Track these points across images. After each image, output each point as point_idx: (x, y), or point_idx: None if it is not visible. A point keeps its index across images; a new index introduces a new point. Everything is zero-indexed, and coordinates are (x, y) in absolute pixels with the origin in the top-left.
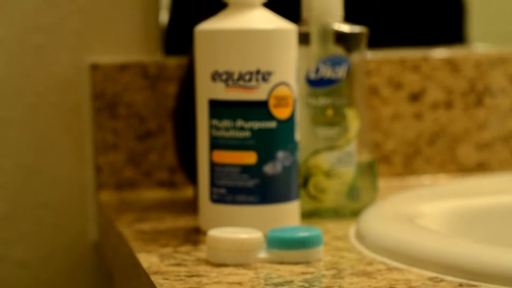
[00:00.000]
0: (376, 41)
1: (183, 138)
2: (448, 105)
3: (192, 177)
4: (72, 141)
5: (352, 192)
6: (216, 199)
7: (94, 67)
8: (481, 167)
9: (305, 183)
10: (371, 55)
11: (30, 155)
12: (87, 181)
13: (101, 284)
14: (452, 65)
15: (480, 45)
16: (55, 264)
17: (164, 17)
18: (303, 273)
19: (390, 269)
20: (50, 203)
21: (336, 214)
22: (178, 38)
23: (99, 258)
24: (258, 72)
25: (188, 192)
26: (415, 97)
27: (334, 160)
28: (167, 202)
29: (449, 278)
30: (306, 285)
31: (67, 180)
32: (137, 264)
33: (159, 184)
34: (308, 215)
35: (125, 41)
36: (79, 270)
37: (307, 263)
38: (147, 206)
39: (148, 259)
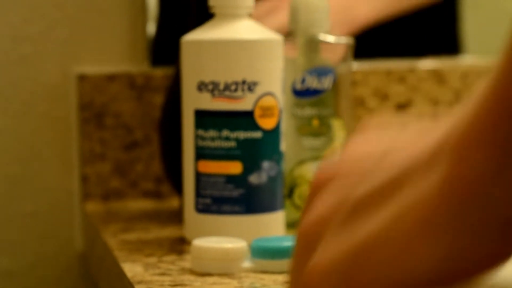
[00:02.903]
0: (362, 52)
1: (169, 148)
2: (435, 116)
3: (178, 187)
4: (59, 151)
5: None
6: (201, 209)
7: (82, 77)
8: None
9: (290, 193)
10: (358, 66)
11: (17, 164)
12: (74, 191)
13: None
14: (439, 77)
15: (469, 56)
16: (41, 274)
17: (151, 27)
18: (287, 282)
19: None
20: (36, 213)
21: None
22: (165, 49)
23: (85, 268)
24: (244, 82)
25: (174, 202)
26: (401, 108)
27: None
28: (153, 212)
29: None
30: None
31: (53, 190)
32: (121, 274)
33: (145, 194)
34: (293, 225)
35: (113, 51)
36: (65, 279)
37: None
38: (133, 216)
39: (132, 269)
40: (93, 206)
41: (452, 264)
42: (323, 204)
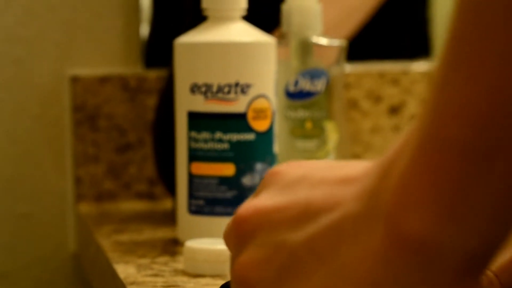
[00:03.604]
0: (355, 54)
1: (162, 150)
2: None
3: (171, 189)
4: (52, 153)
5: None
6: (195, 210)
7: (75, 79)
8: None
9: None
10: (351, 68)
11: (10, 166)
12: (67, 193)
13: None
14: (432, 79)
15: None
16: (34, 274)
17: (145, 29)
18: None
19: None
20: (29, 214)
21: None
22: (159, 51)
23: (78, 269)
24: (237, 84)
25: (167, 204)
26: (394, 110)
27: None
28: (146, 213)
29: None
30: None
31: (47, 191)
32: (114, 275)
33: (138, 196)
34: None
35: (106, 53)
36: (58, 281)
37: None
38: (126, 218)
39: (125, 270)
40: (86, 208)
41: None
42: (255, 249)
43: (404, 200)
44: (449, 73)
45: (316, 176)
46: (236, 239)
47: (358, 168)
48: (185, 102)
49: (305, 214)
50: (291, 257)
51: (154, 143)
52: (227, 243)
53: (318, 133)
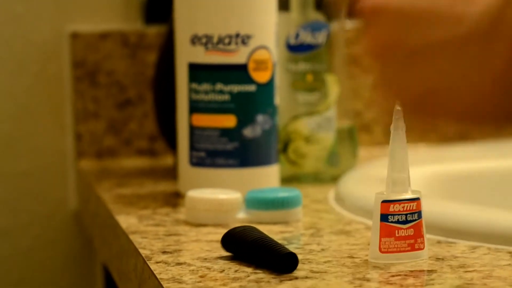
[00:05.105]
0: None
1: (163, 106)
2: None
3: (172, 144)
4: (52, 110)
5: (332, 157)
6: (196, 162)
7: (74, 36)
8: (462, 137)
9: (285, 148)
10: (353, 25)
11: (10, 123)
12: (67, 150)
13: (81, 251)
14: None
15: None
16: (34, 232)
17: None
18: (282, 232)
19: (369, 228)
20: (30, 172)
21: (316, 179)
22: (159, 7)
23: (79, 226)
24: (237, 35)
25: (168, 160)
26: None
27: (314, 125)
28: (147, 169)
29: (427, 235)
30: (285, 243)
31: (47, 149)
32: (116, 225)
33: (139, 152)
34: (287, 180)
35: (106, 9)
36: (59, 238)
37: (285, 223)
38: (127, 173)
39: (127, 220)
40: (87, 165)
41: None
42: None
43: None
44: None
45: None
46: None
47: None
48: (186, 54)
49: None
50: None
51: (154, 99)
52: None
53: (319, 86)
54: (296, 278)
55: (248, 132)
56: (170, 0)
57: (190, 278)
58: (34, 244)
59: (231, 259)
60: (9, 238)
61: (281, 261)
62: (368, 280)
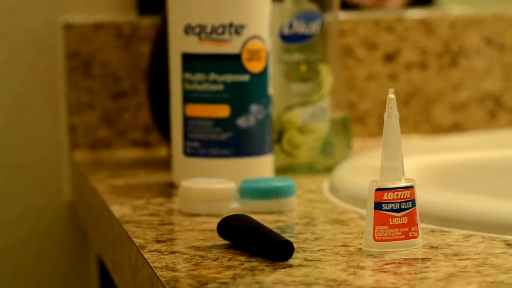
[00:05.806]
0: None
1: (157, 97)
2: (423, 66)
3: (166, 134)
4: (46, 101)
5: (326, 148)
6: (190, 152)
7: (68, 27)
8: (456, 128)
9: (279, 138)
10: (346, 16)
11: (4, 115)
12: (61, 141)
13: (75, 242)
14: (427, 26)
15: (454, 6)
16: (29, 224)
17: None
18: (276, 221)
19: (362, 217)
20: (24, 163)
21: (310, 169)
22: None
23: (73, 218)
24: (231, 25)
25: (162, 151)
26: (389, 57)
27: (308, 115)
28: (141, 160)
29: (421, 224)
30: (279, 232)
31: (41, 140)
32: (109, 215)
33: (133, 144)
34: (281, 171)
35: (99, 0)
36: (54, 229)
37: (279, 212)
38: (121, 164)
39: (120, 210)
40: (81, 156)
41: None
42: None
43: None
44: None
45: None
46: None
47: None
48: (179, 44)
49: None
50: None
51: (148, 90)
52: None
53: (313, 76)
54: (290, 266)
55: (242, 122)
56: None
57: (184, 267)
58: (28, 236)
59: (225, 248)
60: (3, 229)
61: (277, 249)
62: (362, 268)
